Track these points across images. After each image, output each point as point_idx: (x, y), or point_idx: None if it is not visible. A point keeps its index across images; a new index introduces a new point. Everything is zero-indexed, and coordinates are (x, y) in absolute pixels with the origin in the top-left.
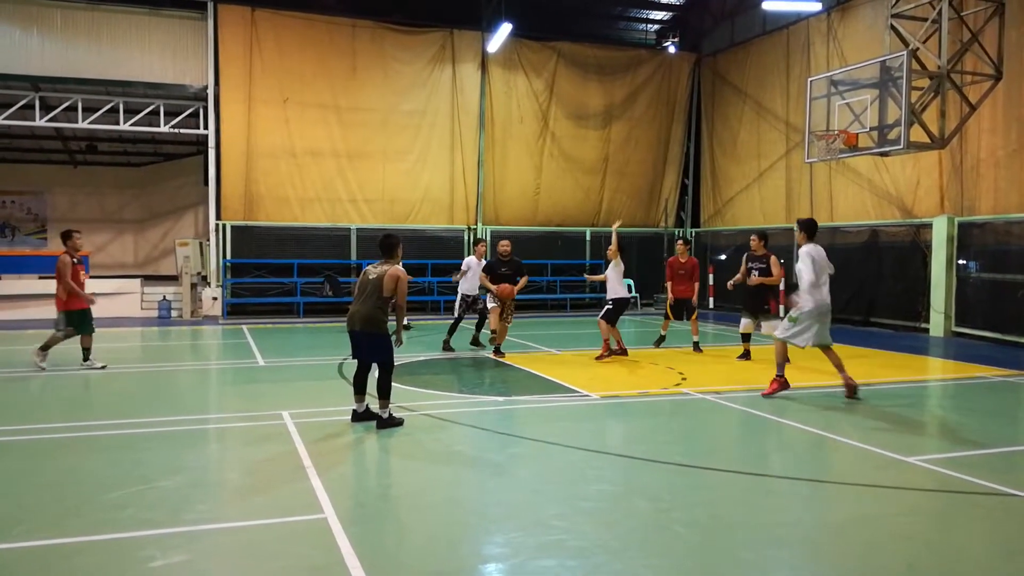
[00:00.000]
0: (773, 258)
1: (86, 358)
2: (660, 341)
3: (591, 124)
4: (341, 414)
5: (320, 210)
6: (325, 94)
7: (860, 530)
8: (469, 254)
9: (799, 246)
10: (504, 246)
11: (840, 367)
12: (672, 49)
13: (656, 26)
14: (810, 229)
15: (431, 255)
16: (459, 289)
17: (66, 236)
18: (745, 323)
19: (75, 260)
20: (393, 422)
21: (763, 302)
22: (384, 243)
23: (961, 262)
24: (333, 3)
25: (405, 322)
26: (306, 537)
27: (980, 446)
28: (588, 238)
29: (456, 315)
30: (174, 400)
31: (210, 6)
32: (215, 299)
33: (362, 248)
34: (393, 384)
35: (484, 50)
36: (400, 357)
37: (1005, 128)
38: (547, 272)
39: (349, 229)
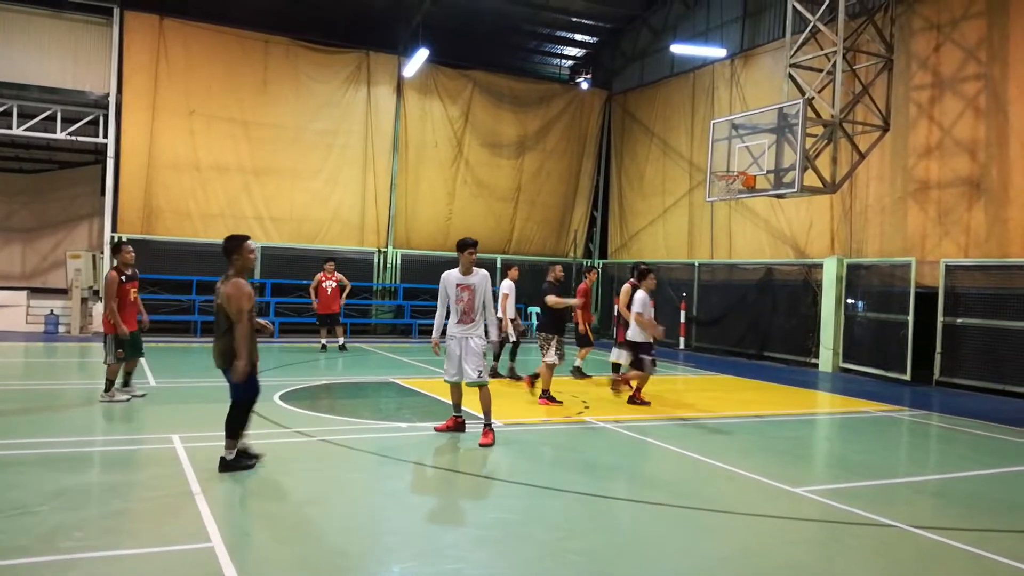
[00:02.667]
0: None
1: (126, 383)
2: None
3: (504, 153)
4: None
5: (223, 226)
6: (233, 108)
7: (749, 560)
8: (377, 277)
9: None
10: (561, 271)
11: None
12: (584, 85)
13: (569, 62)
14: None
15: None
16: (508, 314)
17: (115, 249)
18: (619, 353)
19: (123, 277)
20: (239, 465)
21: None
22: (222, 248)
23: (849, 301)
24: (246, 17)
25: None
26: (191, 566)
27: (862, 478)
28: (499, 265)
29: (515, 339)
30: (55, 421)
31: (116, 11)
32: None
33: (267, 267)
34: (294, 409)
35: (400, 74)
36: (303, 380)
37: (891, 176)
38: None
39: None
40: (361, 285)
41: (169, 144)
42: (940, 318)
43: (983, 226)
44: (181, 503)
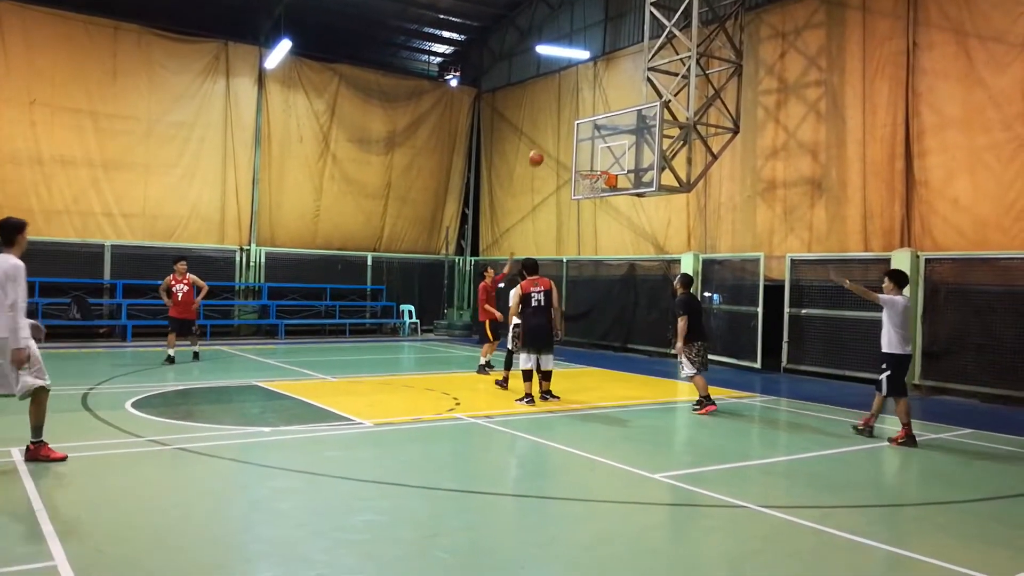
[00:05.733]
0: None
1: None
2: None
3: (373, 149)
4: (82, 449)
5: (69, 224)
6: (80, 98)
7: (609, 546)
8: (240, 276)
9: None
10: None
11: None
12: (453, 82)
13: (438, 59)
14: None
15: (200, 276)
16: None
17: None
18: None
19: None
20: None
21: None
22: None
23: (706, 294)
24: (94, 3)
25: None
26: None
27: (717, 462)
28: (370, 262)
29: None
30: None
31: None
32: None
33: (117, 266)
34: (148, 417)
35: (261, 66)
36: (157, 386)
37: (742, 176)
38: (326, 296)
39: (103, 245)
40: (222, 284)
41: (7, 136)
42: (787, 309)
43: (824, 222)
44: (21, 521)
